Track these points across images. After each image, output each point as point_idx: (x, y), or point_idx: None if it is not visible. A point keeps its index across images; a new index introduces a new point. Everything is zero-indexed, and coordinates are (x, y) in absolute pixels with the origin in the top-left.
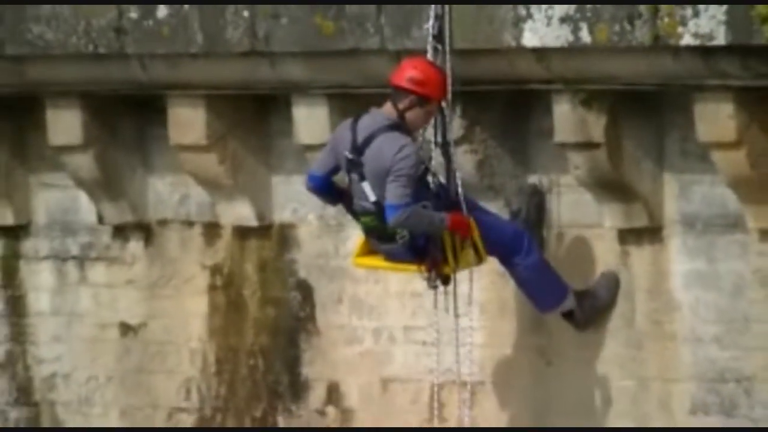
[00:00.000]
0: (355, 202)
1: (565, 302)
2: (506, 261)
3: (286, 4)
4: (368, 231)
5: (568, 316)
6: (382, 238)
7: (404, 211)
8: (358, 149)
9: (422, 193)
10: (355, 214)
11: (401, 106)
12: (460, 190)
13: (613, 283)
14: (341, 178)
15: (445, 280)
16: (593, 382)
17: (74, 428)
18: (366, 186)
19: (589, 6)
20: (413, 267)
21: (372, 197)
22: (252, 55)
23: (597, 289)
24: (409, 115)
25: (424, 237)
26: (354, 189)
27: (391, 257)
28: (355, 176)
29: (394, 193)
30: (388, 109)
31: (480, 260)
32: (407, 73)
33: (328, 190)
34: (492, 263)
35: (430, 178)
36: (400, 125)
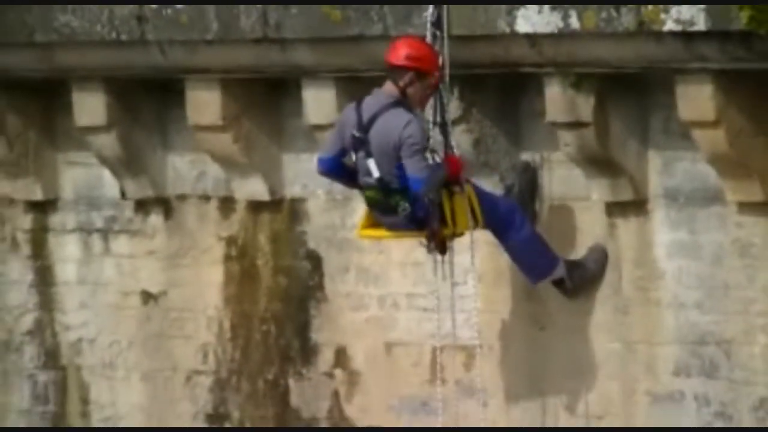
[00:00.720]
0: (360, 178)
1: (555, 271)
2: (500, 234)
3: None
4: (372, 204)
5: (559, 283)
6: (384, 211)
7: (426, 180)
8: (364, 127)
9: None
10: (361, 189)
11: (402, 83)
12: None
13: (601, 255)
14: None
15: (443, 250)
16: (584, 345)
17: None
18: (371, 162)
19: None
20: (414, 234)
21: (376, 173)
22: (264, 41)
23: (586, 260)
24: (410, 91)
25: (423, 208)
26: (359, 165)
27: (393, 228)
28: (361, 154)
29: (416, 167)
30: (389, 89)
31: (476, 224)
32: (403, 51)
33: (338, 171)
34: (489, 235)
35: (428, 155)
36: (402, 102)
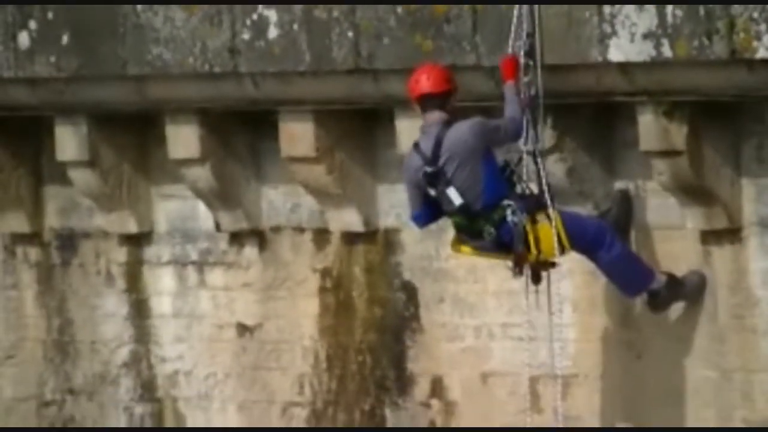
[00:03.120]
0: (445, 207)
1: (652, 283)
2: (591, 255)
3: (388, 24)
4: (459, 229)
5: (653, 295)
6: (471, 234)
7: (515, 114)
8: (433, 160)
9: (508, 191)
10: (448, 214)
11: (449, 107)
12: (545, 186)
13: (701, 280)
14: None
15: (536, 279)
16: (679, 373)
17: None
18: (451, 191)
19: (670, 22)
20: (503, 257)
21: (458, 201)
22: (357, 72)
23: (686, 280)
24: (453, 109)
25: (509, 232)
26: (441, 198)
27: (481, 251)
28: (440, 187)
29: (513, 128)
30: (435, 118)
31: (563, 250)
32: (438, 77)
33: (434, 216)
34: (583, 263)
35: (515, 179)
36: (453, 120)
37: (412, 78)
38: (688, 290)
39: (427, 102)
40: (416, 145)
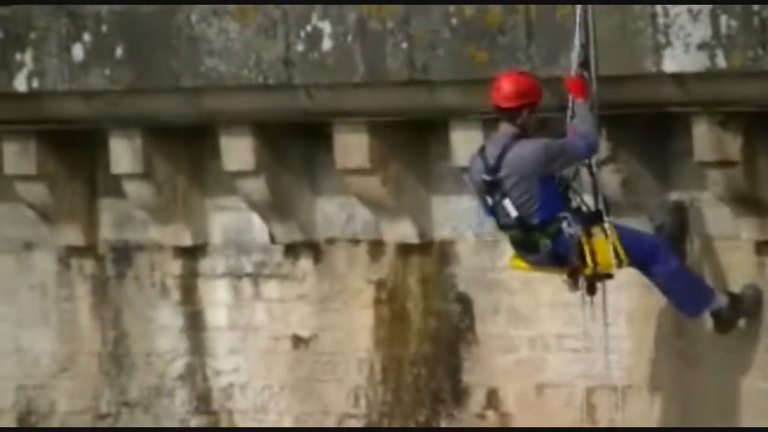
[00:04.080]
0: (500, 219)
1: (712, 303)
2: (647, 270)
3: (442, 36)
4: (515, 243)
5: (717, 315)
6: (527, 249)
7: (592, 138)
8: (493, 169)
9: (563, 206)
10: (502, 228)
11: (520, 121)
12: (601, 200)
13: (757, 293)
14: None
15: (592, 291)
16: (733, 384)
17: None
18: (507, 203)
19: (724, 33)
20: (559, 270)
21: (513, 213)
22: (411, 83)
23: (744, 295)
24: (528, 125)
25: (564, 245)
26: (497, 208)
27: (537, 265)
28: (496, 196)
29: (579, 147)
30: (506, 129)
31: (621, 263)
32: (510, 91)
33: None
34: (637, 275)
35: (570, 194)
36: (525, 135)
37: (494, 83)
38: (747, 306)
39: (501, 112)
40: (482, 149)
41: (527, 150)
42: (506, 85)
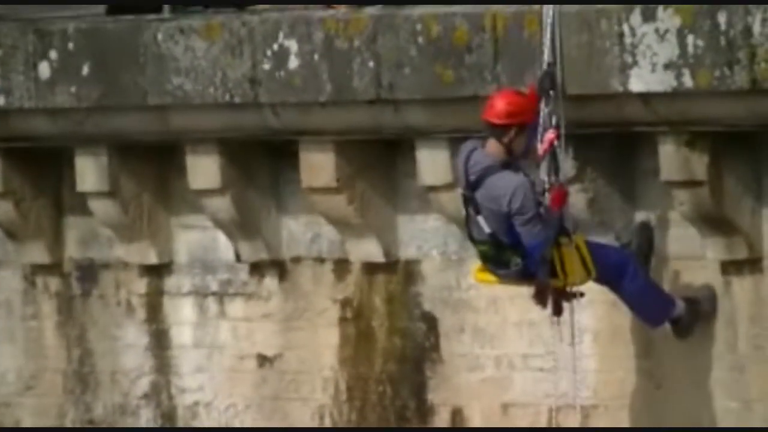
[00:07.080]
0: (474, 233)
1: (673, 312)
2: (614, 285)
3: (409, 54)
4: (485, 258)
5: (675, 322)
6: (498, 264)
7: (543, 243)
8: (471, 186)
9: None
10: (474, 242)
11: (506, 140)
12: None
13: (711, 294)
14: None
15: (557, 311)
16: (700, 403)
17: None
18: (481, 219)
19: (691, 53)
20: (527, 284)
21: (487, 230)
22: (378, 102)
23: (700, 297)
24: (515, 145)
25: (535, 263)
26: (470, 220)
27: (506, 280)
28: (471, 210)
29: (531, 234)
30: (493, 149)
31: (589, 274)
32: (502, 108)
33: None
34: (603, 293)
35: (542, 210)
36: (507, 163)
37: (489, 99)
38: (703, 306)
39: (490, 129)
40: (471, 152)
41: (500, 192)
42: (499, 103)
